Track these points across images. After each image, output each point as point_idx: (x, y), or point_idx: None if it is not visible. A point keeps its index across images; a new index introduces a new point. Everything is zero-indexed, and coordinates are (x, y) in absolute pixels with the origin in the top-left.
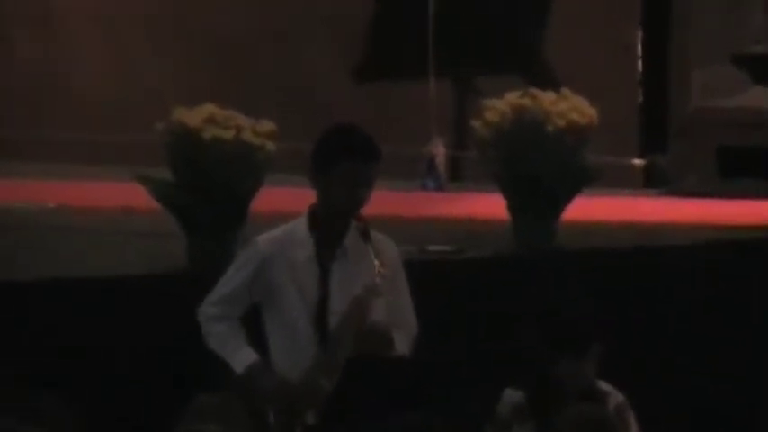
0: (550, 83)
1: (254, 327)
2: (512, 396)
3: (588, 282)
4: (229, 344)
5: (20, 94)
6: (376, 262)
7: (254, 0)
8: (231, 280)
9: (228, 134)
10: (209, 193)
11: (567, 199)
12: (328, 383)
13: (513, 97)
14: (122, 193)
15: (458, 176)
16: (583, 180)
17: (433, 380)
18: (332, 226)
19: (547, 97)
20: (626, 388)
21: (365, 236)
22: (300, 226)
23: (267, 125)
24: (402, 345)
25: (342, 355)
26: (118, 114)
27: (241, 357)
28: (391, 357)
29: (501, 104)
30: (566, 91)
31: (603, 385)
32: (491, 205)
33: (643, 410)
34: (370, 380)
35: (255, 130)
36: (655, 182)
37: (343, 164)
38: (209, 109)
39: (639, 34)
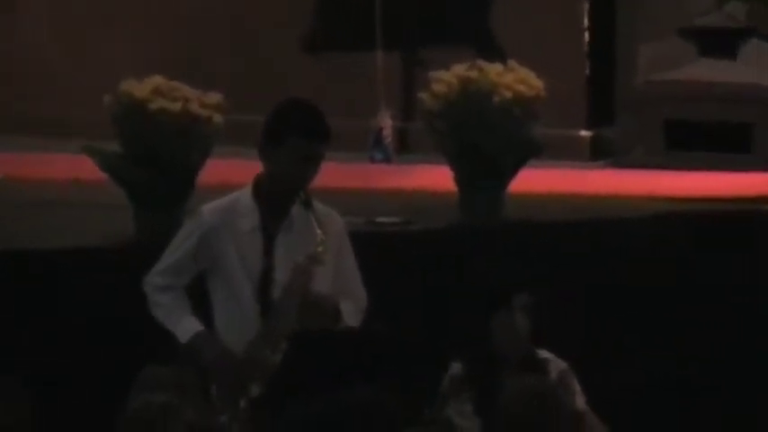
0: (497, 55)
1: (199, 297)
2: (453, 369)
3: (534, 254)
4: (174, 314)
5: None
6: (318, 231)
7: None
8: (176, 250)
9: (175, 106)
10: (156, 165)
11: (514, 171)
12: (272, 354)
13: (460, 69)
14: (71, 166)
15: (405, 148)
16: (529, 152)
17: (381, 353)
18: (277, 197)
19: (494, 69)
20: (569, 359)
21: (307, 205)
22: (245, 196)
23: (214, 97)
24: (350, 317)
25: (285, 325)
26: (71, 87)
27: (185, 327)
28: (339, 329)
29: (448, 76)
30: (513, 63)
31: (544, 353)
32: (439, 177)
33: (588, 380)
34: (317, 352)
35: (203, 101)
36: (601, 154)
37: (292, 140)
38: (156, 81)
39: (587, 6)
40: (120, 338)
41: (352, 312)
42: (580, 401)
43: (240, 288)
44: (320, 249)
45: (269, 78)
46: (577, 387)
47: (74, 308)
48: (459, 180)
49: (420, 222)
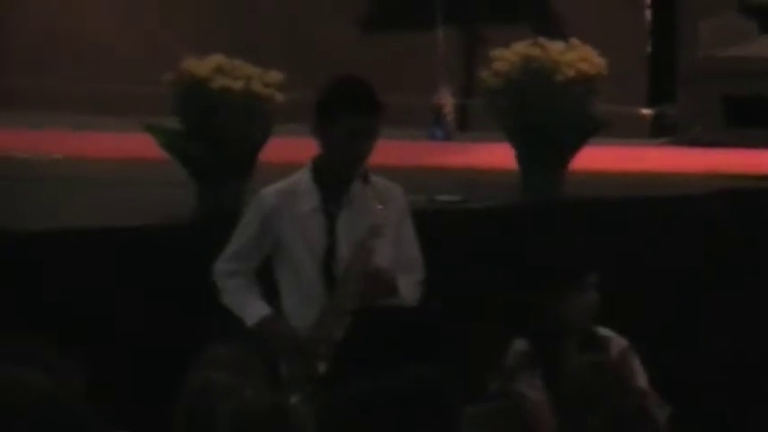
0: (559, 33)
1: (268, 280)
2: (518, 345)
3: (595, 232)
4: (241, 298)
5: (30, 45)
6: (378, 205)
7: None
8: (240, 235)
9: (237, 84)
10: (217, 143)
11: (575, 149)
12: (338, 331)
13: (521, 47)
14: (131, 144)
15: (466, 126)
16: (591, 129)
17: (440, 330)
18: (336, 176)
19: (555, 47)
20: (635, 337)
21: (365, 180)
22: (305, 177)
23: (275, 75)
24: (407, 290)
25: (350, 300)
26: (127, 65)
27: (253, 311)
28: (400, 306)
29: (509, 54)
30: (574, 41)
31: (605, 331)
32: (499, 155)
33: (652, 357)
34: (381, 328)
35: (264, 80)
36: (662, 131)
37: (344, 117)
38: (217, 59)
39: None
40: (183, 316)
41: (410, 286)
42: (642, 380)
43: (304, 268)
44: (380, 223)
45: (329, 57)
46: (638, 365)
47: (137, 285)
48: (519, 158)
49: (480, 200)
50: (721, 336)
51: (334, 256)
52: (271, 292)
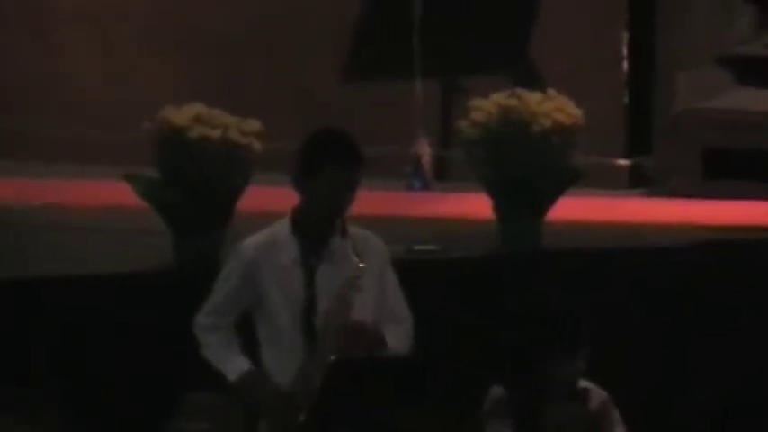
0: (536, 83)
1: (247, 334)
2: (495, 391)
3: (573, 282)
4: (222, 353)
5: (10, 93)
6: (354, 258)
7: None
8: (219, 290)
9: (215, 133)
10: (195, 192)
11: (553, 199)
12: (318, 383)
13: (499, 97)
14: (110, 192)
15: (444, 176)
16: (568, 180)
17: (421, 378)
18: (316, 228)
19: (533, 98)
20: (608, 387)
21: (343, 232)
22: (284, 229)
23: (253, 124)
24: (395, 341)
25: (330, 353)
26: (108, 114)
27: (233, 366)
28: (379, 355)
29: (487, 104)
30: (552, 91)
31: (585, 383)
32: (477, 205)
33: (627, 410)
34: (357, 379)
35: (242, 128)
36: (640, 182)
37: (327, 170)
38: (195, 108)
39: (625, 35)
40: (161, 365)
41: (397, 337)
42: (620, 431)
43: (284, 321)
44: (357, 275)
45: (307, 106)
46: (617, 417)
47: (115, 334)
48: (497, 208)
49: (458, 250)
50: (703, 384)
51: (314, 310)
52: (250, 344)
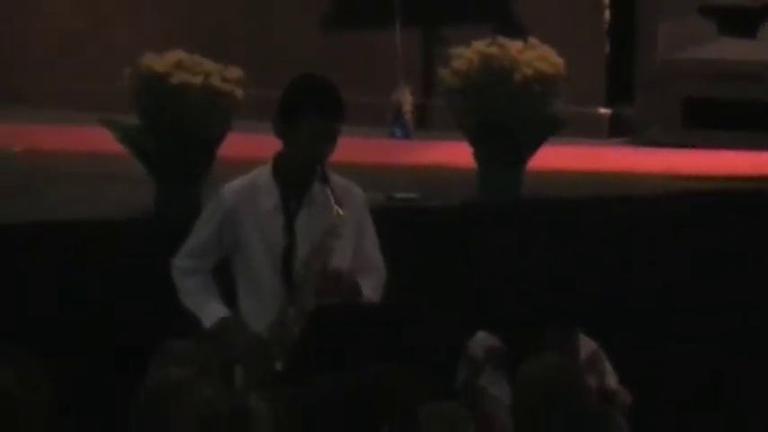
0: (518, 32)
1: (225, 279)
2: (484, 339)
3: (552, 231)
4: (199, 298)
5: None
6: (335, 206)
7: None
8: (198, 233)
9: (196, 79)
10: (176, 139)
11: (534, 148)
12: (295, 330)
13: (480, 46)
14: (91, 138)
15: (425, 125)
16: (549, 129)
17: (400, 327)
18: (297, 175)
19: (514, 46)
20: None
21: (324, 179)
22: (265, 174)
23: (235, 71)
24: (370, 290)
25: (307, 301)
26: (91, 61)
27: (210, 311)
28: (359, 303)
29: (468, 53)
30: (533, 40)
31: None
32: (457, 153)
33: (613, 362)
34: (336, 327)
35: (223, 75)
36: (620, 131)
37: (308, 118)
38: (177, 55)
39: None
40: (139, 312)
41: (371, 287)
42: (611, 380)
43: (262, 267)
44: (337, 224)
45: (288, 55)
46: (608, 367)
47: (94, 280)
48: (478, 157)
49: (438, 198)
50: (677, 334)
51: (293, 256)
52: (228, 290)
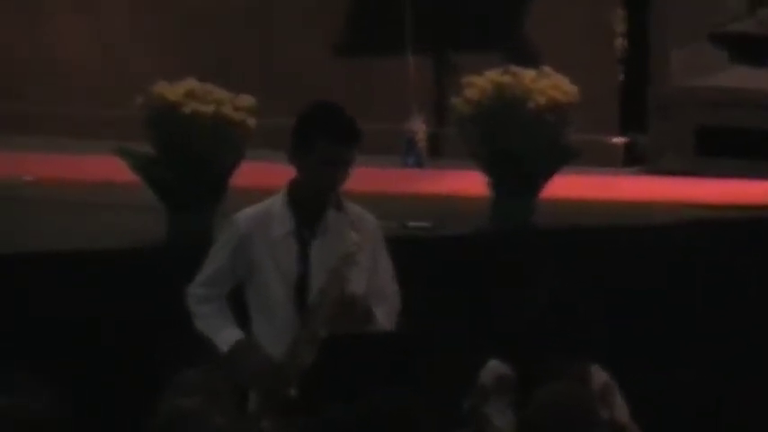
0: (531, 60)
1: (239, 306)
2: (495, 367)
3: (565, 260)
4: (214, 324)
5: (3, 69)
6: (351, 232)
7: None
8: (213, 260)
9: (208, 108)
10: (188, 168)
11: (547, 176)
12: (309, 357)
13: (493, 74)
14: (103, 167)
15: (437, 153)
16: (563, 158)
17: (412, 355)
18: (311, 202)
19: (527, 75)
20: (605, 367)
21: (338, 206)
22: (279, 202)
23: (247, 99)
24: (383, 318)
25: (322, 327)
26: (100, 89)
27: (225, 336)
28: (372, 332)
29: (481, 81)
30: (546, 69)
31: (587, 364)
32: (470, 182)
33: (624, 389)
34: (349, 355)
35: (235, 104)
36: (634, 160)
37: (322, 145)
38: (189, 83)
39: (620, 12)
40: (152, 341)
41: (385, 314)
42: (622, 413)
43: (276, 295)
44: (353, 251)
45: (301, 83)
46: (619, 399)
47: (106, 309)
48: (491, 185)
49: (451, 227)
50: (691, 360)
51: (307, 283)
52: (242, 317)
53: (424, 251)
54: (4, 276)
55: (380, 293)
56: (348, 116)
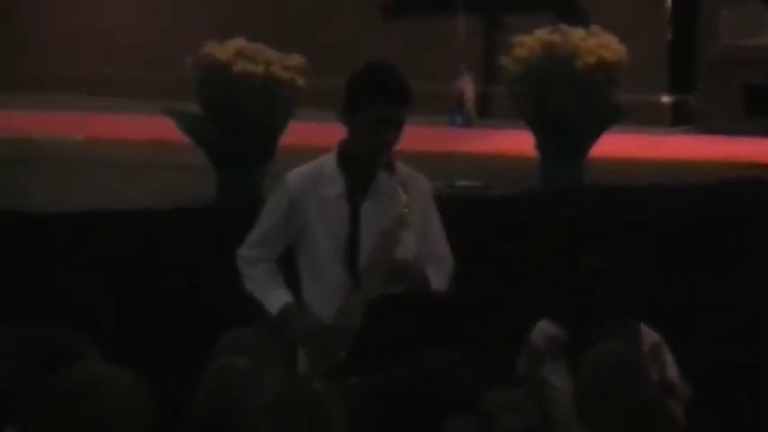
0: (580, 20)
1: (289, 270)
2: (546, 328)
3: (614, 220)
4: (264, 286)
5: (53, 31)
6: (403, 194)
7: None
8: (264, 222)
9: (258, 68)
10: (237, 127)
11: (595, 136)
12: (359, 320)
13: (542, 33)
14: (152, 127)
15: (486, 113)
16: (611, 118)
17: (462, 315)
18: (362, 163)
19: (576, 34)
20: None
21: (389, 169)
22: (330, 162)
23: (296, 59)
24: (437, 279)
25: (372, 290)
26: (149, 50)
27: (275, 299)
28: (420, 293)
29: (530, 41)
30: (595, 28)
31: (638, 324)
32: (519, 142)
33: (674, 350)
34: (397, 317)
35: (284, 64)
36: (682, 120)
37: (374, 106)
38: (238, 43)
39: None
40: (202, 303)
41: (439, 275)
42: (672, 372)
43: (326, 256)
44: (405, 212)
45: (349, 43)
46: (669, 359)
47: (158, 269)
48: (539, 145)
49: (499, 187)
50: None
51: (357, 245)
52: (292, 280)
53: (472, 211)
54: (55, 236)
55: (433, 255)
56: (400, 75)
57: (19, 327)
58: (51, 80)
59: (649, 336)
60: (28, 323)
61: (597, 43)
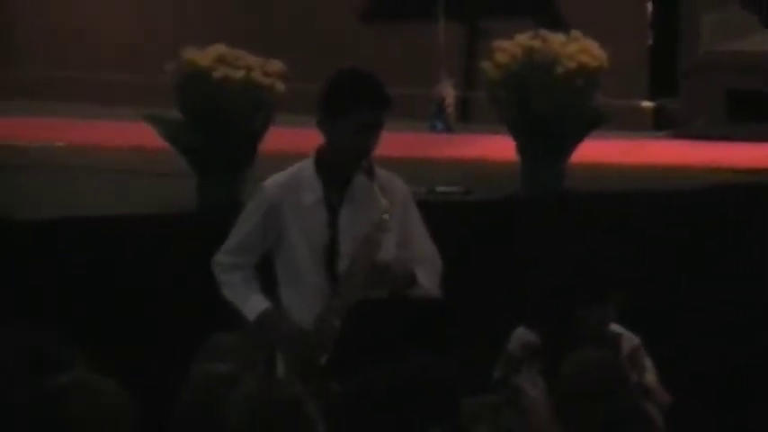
0: (560, 25)
1: (267, 275)
2: (523, 335)
3: (594, 225)
4: (242, 292)
5: (36, 37)
6: (382, 199)
7: None
8: (241, 228)
9: (238, 74)
10: (217, 133)
11: (576, 141)
12: (338, 325)
13: (523, 39)
14: (133, 133)
15: (467, 118)
16: (592, 122)
17: (443, 320)
18: (340, 169)
19: (557, 39)
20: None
21: (369, 174)
22: (307, 168)
23: (276, 65)
24: (425, 279)
25: (353, 295)
26: (130, 54)
27: (253, 305)
28: (400, 297)
29: (511, 46)
30: (576, 33)
31: (617, 328)
32: (500, 147)
33: (655, 355)
34: (379, 320)
35: (265, 69)
36: (664, 124)
37: (353, 111)
38: (218, 49)
39: None
40: (182, 307)
41: (427, 275)
42: (651, 378)
43: (305, 262)
44: (385, 217)
45: (329, 48)
46: (648, 363)
47: (135, 276)
48: (520, 150)
49: (480, 192)
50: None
51: (335, 251)
52: (270, 285)
53: (453, 216)
54: (34, 242)
55: (419, 255)
56: (378, 80)
57: (2, 331)
58: (35, 87)
59: (629, 340)
60: (10, 329)
61: (577, 48)
